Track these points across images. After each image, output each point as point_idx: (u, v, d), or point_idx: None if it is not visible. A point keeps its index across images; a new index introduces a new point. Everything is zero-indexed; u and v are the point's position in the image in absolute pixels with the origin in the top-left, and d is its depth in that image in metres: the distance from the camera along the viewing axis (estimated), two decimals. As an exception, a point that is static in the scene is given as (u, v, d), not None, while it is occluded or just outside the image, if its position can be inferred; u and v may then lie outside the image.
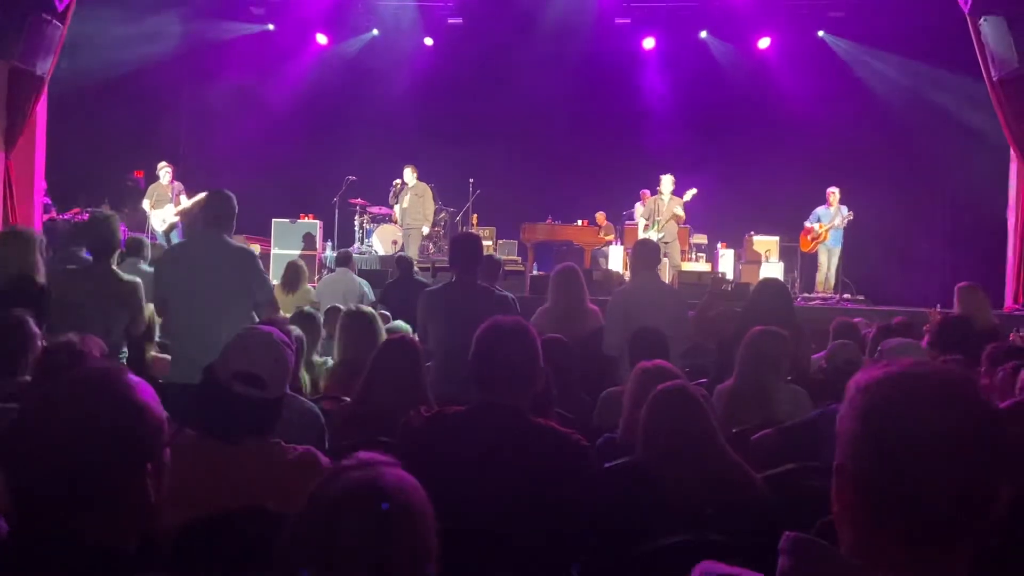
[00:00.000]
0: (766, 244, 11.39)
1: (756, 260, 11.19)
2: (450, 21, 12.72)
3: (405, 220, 10.78)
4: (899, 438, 0.98)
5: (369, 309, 4.14)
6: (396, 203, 11.07)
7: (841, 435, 1.05)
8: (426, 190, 10.78)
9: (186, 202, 10.26)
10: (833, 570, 0.97)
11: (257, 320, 3.77)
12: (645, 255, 5.07)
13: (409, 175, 10.75)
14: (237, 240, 4.27)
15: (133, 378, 1.34)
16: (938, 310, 6.62)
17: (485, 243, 7.31)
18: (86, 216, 9.23)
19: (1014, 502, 1.00)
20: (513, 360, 2.26)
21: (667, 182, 10.20)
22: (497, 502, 2.05)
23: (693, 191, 10.23)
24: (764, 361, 3.51)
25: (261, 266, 4.22)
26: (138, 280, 4.45)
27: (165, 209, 10.32)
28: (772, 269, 10.64)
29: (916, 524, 0.98)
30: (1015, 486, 1.00)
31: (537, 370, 2.33)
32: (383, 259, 10.47)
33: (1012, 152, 9.80)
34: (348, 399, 3.29)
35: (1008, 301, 9.66)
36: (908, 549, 0.99)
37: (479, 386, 2.27)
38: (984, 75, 9.48)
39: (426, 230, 10.91)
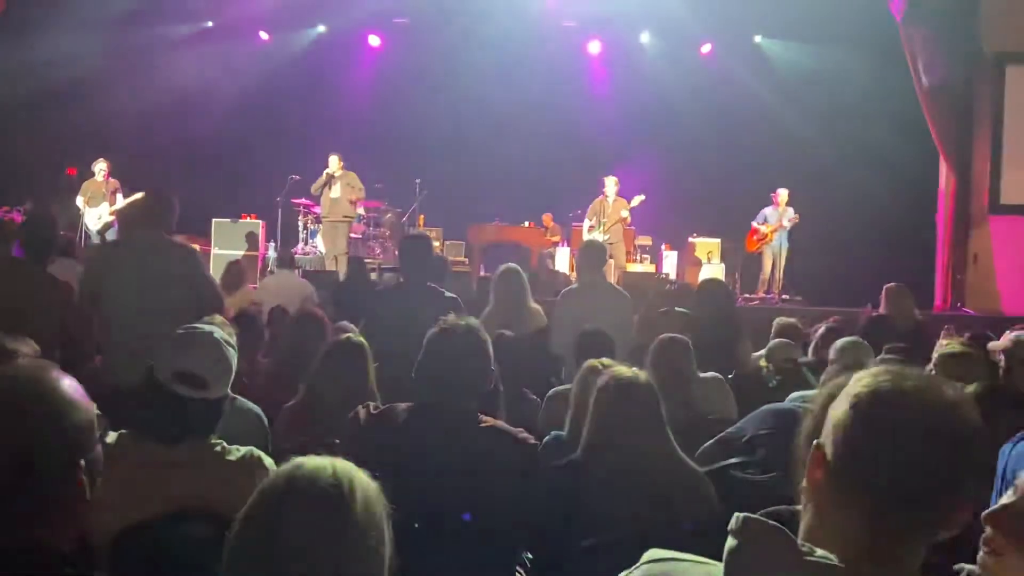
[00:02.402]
0: (708, 246, 11.59)
1: (699, 262, 11.38)
2: (396, 20, 12.64)
3: (334, 211, 10.26)
4: (883, 428, 1.03)
5: (362, 340, 3.89)
6: (320, 193, 10.34)
7: (831, 417, 1.08)
8: (356, 179, 10.34)
9: (122, 201, 9.96)
10: (783, 552, 0.97)
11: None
12: (591, 256, 5.12)
13: (335, 163, 10.17)
14: (178, 240, 4.18)
15: (60, 374, 1.32)
16: (869, 310, 6.83)
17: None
18: (15, 215, 8.90)
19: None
20: (464, 363, 2.26)
21: (611, 183, 10.27)
22: (444, 498, 2.05)
23: (641, 197, 10.30)
24: (671, 368, 3.52)
25: (204, 265, 4.16)
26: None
27: (100, 207, 10.02)
28: (714, 270, 10.82)
29: (880, 511, 1.02)
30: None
31: (487, 372, 2.33)
32: (328, 259, 10.30)
33: (941, 157, 10.19)
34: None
35: (937, 301, 10.03)
36: (866, 534, 1.02)
37: (429, 387, 2.27)
38: (915, 82, 9.84)
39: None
